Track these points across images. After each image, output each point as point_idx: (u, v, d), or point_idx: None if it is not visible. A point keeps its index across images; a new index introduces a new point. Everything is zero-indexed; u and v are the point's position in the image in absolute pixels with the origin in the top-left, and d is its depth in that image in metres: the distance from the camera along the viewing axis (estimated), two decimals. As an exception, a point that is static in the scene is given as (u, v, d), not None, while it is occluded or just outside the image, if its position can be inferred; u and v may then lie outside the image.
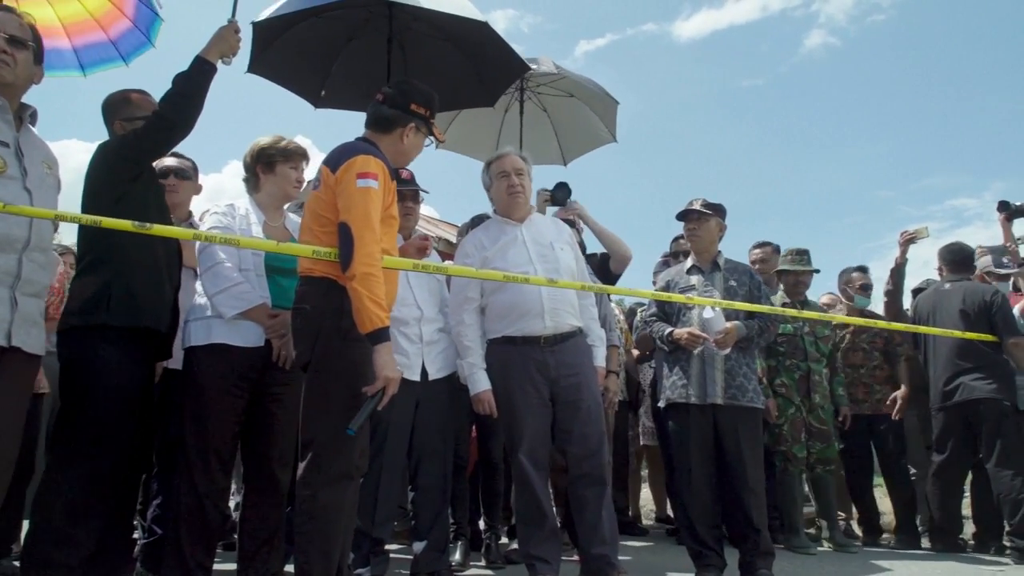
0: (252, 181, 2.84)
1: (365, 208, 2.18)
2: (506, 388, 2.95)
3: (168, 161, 3.11)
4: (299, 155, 2.82)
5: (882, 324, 4.70)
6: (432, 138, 2.55)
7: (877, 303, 5.03)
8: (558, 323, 3.00)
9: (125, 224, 2.14)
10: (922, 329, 4.39)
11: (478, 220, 3.83)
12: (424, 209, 5.11)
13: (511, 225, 3.15)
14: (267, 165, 2.80)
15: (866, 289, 5.01)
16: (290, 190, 2.82)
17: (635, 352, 5.02)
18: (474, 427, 3.79)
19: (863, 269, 5.05)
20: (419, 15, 3.78)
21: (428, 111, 2.47)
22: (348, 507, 2.25)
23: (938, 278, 4.88)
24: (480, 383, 2.97)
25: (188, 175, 3.17)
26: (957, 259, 4.66)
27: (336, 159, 2.28)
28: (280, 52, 3.90)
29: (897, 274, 4.79)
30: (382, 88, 2.50)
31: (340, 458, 2.18)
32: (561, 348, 3.00)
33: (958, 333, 4.21)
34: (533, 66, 4.50)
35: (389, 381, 2.13)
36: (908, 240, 4.65)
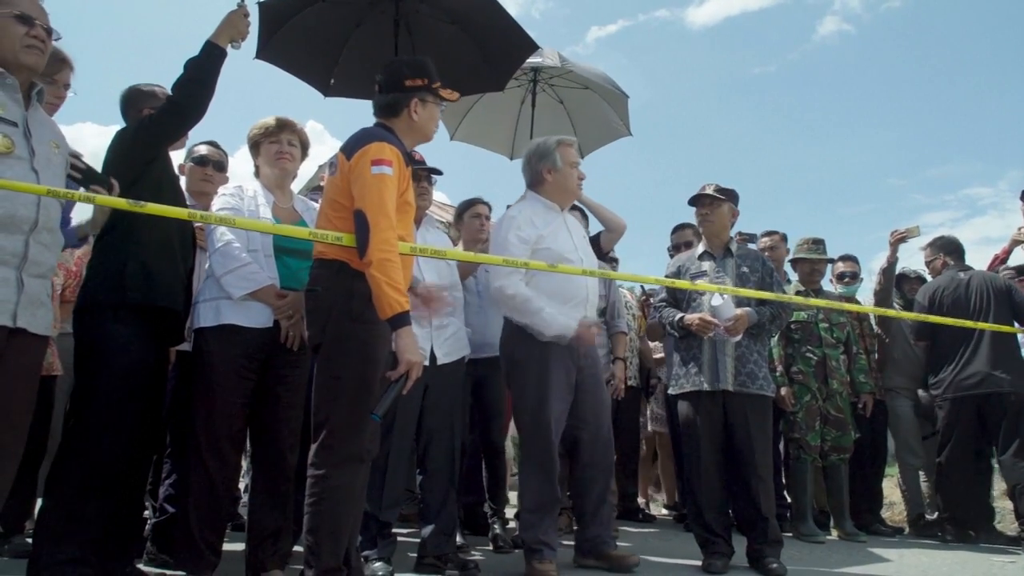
0: (255, 170, 2.88)
1: (380, 195, 2.18)
2: (544, 371, 2.95)
3: (204, 150, 3.24)
4: (277, 128, 2.81)
5: (892, 313, 4.67)
6: (445, 103, 2.49)
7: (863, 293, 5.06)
8: (591, 312, 3.14)
9: (120, 203, 2.13)
10: (931, 318, 4.33)
11: (471, 203, 3.81)
12: (436, 195, 5.09)
13: (555, 211, 3.18)
14: (255, 149, 2.84)
15: (855, 277, 4.98)
16: (276, 163, 2.79)
17: (649, 343, 5.01)
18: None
19: (845, 258, 5.05)
20: None
21: (425, 80, 2.43)
22: (358, 489, 2.25)
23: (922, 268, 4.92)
24: (571, 324, 2.92)
25: (224, 168, 3.28)
26: (961, 250, 4.69)
27: (351, 146, 2.28)
28: (288, 38, 3.86)
29: (887, 274, 4.74)
30: (374, 77, 2.48)
31: (351, 440, 2.18)
32: None
33: (969, 323, 4.16)
34: (538, 58, 4.44)
35: (412, 365, 2.13)
36: (899, 239, 4.62)
